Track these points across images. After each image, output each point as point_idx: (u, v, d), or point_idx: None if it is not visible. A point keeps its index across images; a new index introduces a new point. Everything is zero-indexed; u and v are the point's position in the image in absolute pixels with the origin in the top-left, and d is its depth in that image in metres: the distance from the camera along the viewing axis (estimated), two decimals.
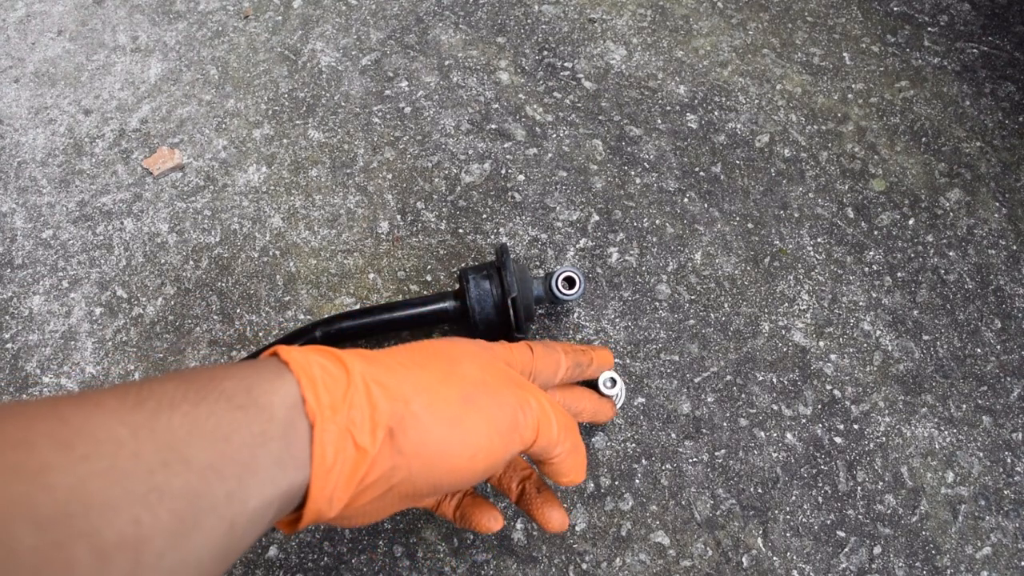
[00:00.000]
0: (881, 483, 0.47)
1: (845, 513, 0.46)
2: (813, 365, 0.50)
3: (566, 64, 0.62)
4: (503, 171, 0.57)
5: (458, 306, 0.46)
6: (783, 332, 0.51)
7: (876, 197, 0.56)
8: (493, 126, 0.59)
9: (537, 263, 0.53)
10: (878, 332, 0.51)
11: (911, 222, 0.55)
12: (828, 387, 0.49)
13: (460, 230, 0.55)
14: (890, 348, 0.51)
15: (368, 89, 0.61)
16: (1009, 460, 0.47)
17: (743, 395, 0.49)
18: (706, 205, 0.56)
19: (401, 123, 0.60)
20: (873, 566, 0.44)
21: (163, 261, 0.55)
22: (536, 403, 0.32)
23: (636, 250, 0.54)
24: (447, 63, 0.63)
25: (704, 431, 0.48)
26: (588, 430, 0.48)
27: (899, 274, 0.53)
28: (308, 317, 0.52)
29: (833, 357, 0.50)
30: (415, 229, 0.55)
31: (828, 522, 0.46)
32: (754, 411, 0.49)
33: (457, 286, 0.51)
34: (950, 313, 0.52)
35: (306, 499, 0.26)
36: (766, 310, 0.52)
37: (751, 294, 0.53)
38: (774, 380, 0.50)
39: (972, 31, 0.64)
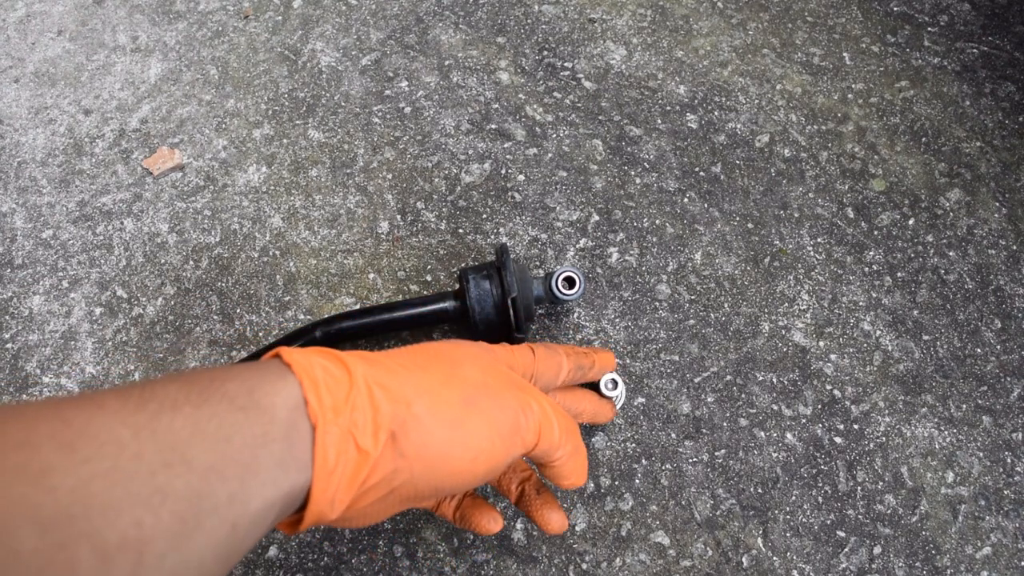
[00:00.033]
0: (881, 483, 0.47)
1: (845, 513, 0.46)
2: (813, 365, 0.50)
3: (566, 64, 0.62)
4: (503, 171, 0.57)
5: (458, 306, 0.46)
6: (783, 332, 0.51)
7: (876, 197, 0.56)
8: (493, 126, 0.59)
9: (537, 263, 0.53)
10: (878, 332, 0.51)
11: (911, 222, 0.55)
12: (828, 387, 0.49)
13: (460, 230, 0.55)
14: (890, 348, 0.51)
15: (368, 89, 0.62)
16: (1009, 460, 0.47)
17: (743, 395, 0.49)
18: (706, 205, 0.56)
19: (401, 123, 0.60)
20: (873, 566, 0.44)
21: (163, 261, 0.55)
22: (538, 406, 0.32)
23: (636, 250, 0.54)
24: (447, 63, 0.63)
25: (704, 431, 0.48)
26: (588, 430, 0.48)
27: (899, 274, 0.53)
28: (308, 317, 0.52)
29: (833, 357, 0.50)
30: (415, 229, 0.55)
31: (828, 522, 0.46)
32: (754, 411, 0.49)
33: (457, 286, 0.51)
34: (950, 313, 0.52)
35: (308, 501, 0.26)
36: (766, 310, 0.52)
37: (751, 294, 0.53)
38: (774, 380, 0.50)
39: (972, 31, 0.64)
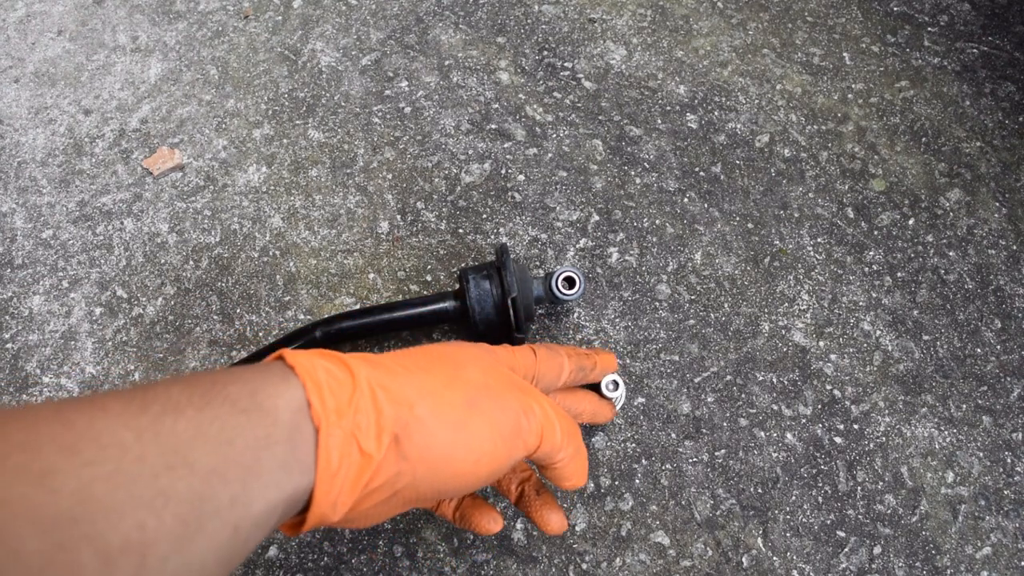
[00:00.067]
0: (881, 483, 0.47)
1: (845, 513, 0.46)
2: (813, 365, 0.50)
3: (566, 64, 0.62)
4: (503, 171, 0.57)
5: (458, 306, 0.46)
6: (783, 332, 0.51)
7: (876, 197, 0.56)
8: (493, 126, 0.59)
9: (537, 263, 0.53)
10: (878, 332, 0.51)
11: (911, 222, 0.55)
12: (828, 387, 0.49)
13: (460, 230, 0.55)
14: (890, 348, 0.51)
15: (368, 89, 0.62)
16: (1009, 460, 0.47)
17: (743, 395, 0.49)
18: (706, 205, 0.56)
19: (401, 123, 0.60)
20: (873, 566, 0.44)
21: (163, 261, 0.55)
22: (540, 408, 0.32)
23: (636, 250, 0.54)
24: (447, 63, 0.63)
25: (704, 431, 0.48)
26: (588, 430, 0.48)
27: (899, 274, 0.53)
28: (308, 317, 0.52)
29: (833, 357, 0.50)
30: (415, 229, 0.55)
31: (828, 522, 0.46)
32: (754, 411, 0.49)
33: (457, 286, 0.51)
34: (950, 313, 0.52)
35: (310, 503, 0.26)
36: (766, 310, 0.52)
37: (751, 294, 0.53)
38: (774, 380, 0.50)
39: (972, 31, 0.64)
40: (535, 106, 0.60)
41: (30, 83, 0.64)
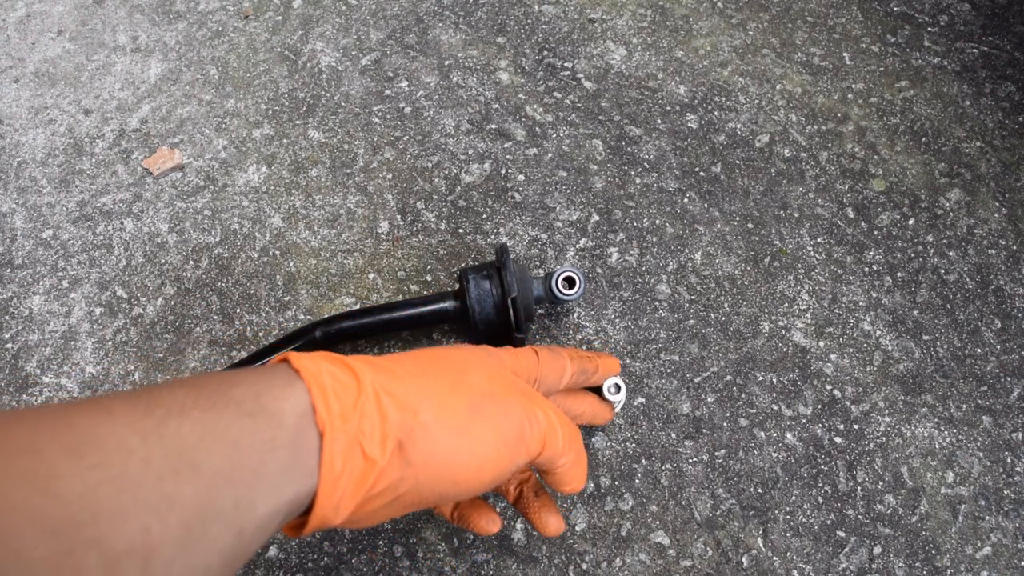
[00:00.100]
0: (881, 483, 0.47)
1: (845, 513, 0.46)
2: (813, 365, 0.50)
3: (566, 64, 0.62)
4: (503, 171, 0.57)
5: (458, 306, 0.46)
6: (783, 332, 0.51)
7: (876, 197, 0.56)
8: (493, 126, 0.59)
9: (537, 263, 0.53)
10: (878, 332, 0.51)
11: (911, 222, 0.55)
12: (828, 387, 0.49)
13: (460, 230, 0.55)
14: (890, 348, 0.51)
15: (368, 89, 0.62)
16: (1009, 460, 0.47)
17: (743, 395, 0.49)
18: (706, 205, 0.56)
19: (401, 123, 0.60)
20: (873, 566, 0.44)
21: (163, 261, 0.55)
22: (543, 415, 0.32)
23: (636, 250, 0.54)
24: (447, 63, 0.63)
25: (704, 431, 0.48)
26: (588, 431, 0.48)
27: (899, 274, 0.53)
28: (308, 317, 0.52)
29: (833, 357, 0.50)
30: (415, 229, 0.55)
31: (828, 522, 0.46)
32: (754, 411, 0.49)
33: (457, 286, 0.51)
34: (950, 313, 0.52)
35: (313, 505, 0.26)
36: (766, 310, 0.52)
37: (751, 294, 0.53)
38: (774, 380, 0.50)
39: (972, 31, 0.64)
40: (535, 106, 0.60)
41: (30, 83, 0.64)
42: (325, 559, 0.45)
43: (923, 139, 0.59)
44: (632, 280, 0.53)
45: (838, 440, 0.48)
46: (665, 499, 0.46)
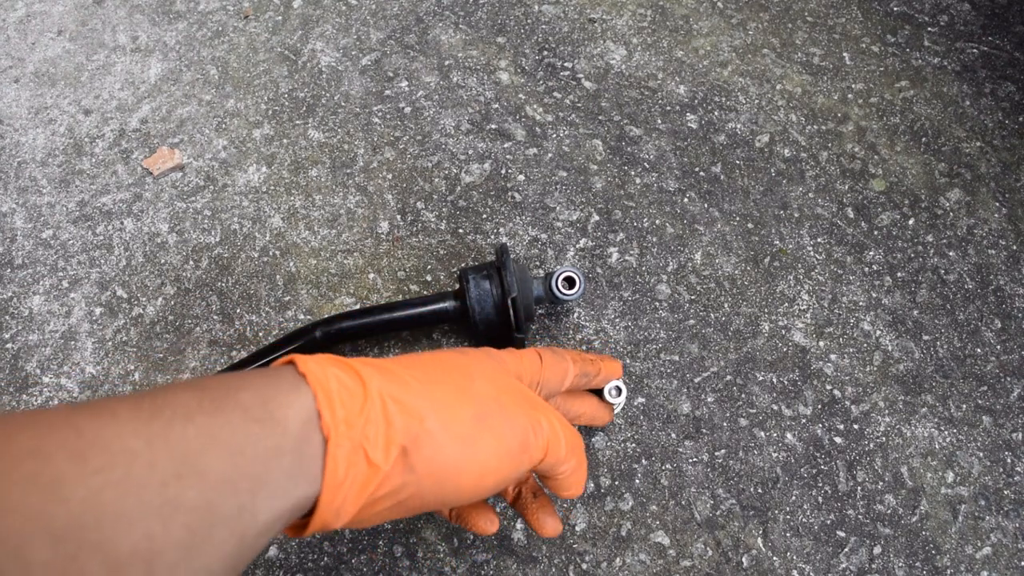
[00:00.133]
0: (881, 483, 0.47)
1: (845, 513, 0.46)
2: (813, 365, 0.50)
3: (566, 64, 0.62)
4: (503, 171, 0.57)
5: (458, 306, 0.46)
6: (783, 332, 0.51)
7: (876, 197, 0.56)
8: (493, 126, 0.59)
9: (537, 263, 0.53)
10: (878, 332, 0.51)
11: (911, 222, 0.55)
12: (828, 387, 0.49)
13: (460, 230, 0.55)
14: (890, 348, 0.51)
15: (368, 89, 0.62)
16: (1009, 460, 0.47)
17: (743, 395, 0.49)
18: (706, 205, 0.56)
19: (401, 123, 0.60)
20: (873, 566, 0.44)
21: (163, 261, 0.55)
22: (547, 423, 0.32)
23: (636, 250, 0.54)
24: (447, 63, 0.63)
25: (704, 431, 0.48)
26: (588, 431, 0.48)
27: (899, 274, 0.53)
28: (308, 317, 0.52)
29: (833, 357, 0.50)
30: (415, 229, 0.55)
31: (828, 522, 0.46)
32: (754, 411, 0.49)
33: (457, 286, 0.51)
34: (950, 313, 0.52)
35: (315, 509, 0.26)
36: (766, 310, 0.52)
37: (751, 294, 0.53)
38: (774, 380, 0.50)
39: (972, 31, 0.64)
40: (535, 106, 0.60)
41: (30, 83, 0.64)
42: (325, 559, 0.45)
43: (923, 139, 0.59)
44: (632, 280, 0.53)
45: (838, 440, 0.48)
46: (665, 499, 0.46)
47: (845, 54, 0.63)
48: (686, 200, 0.56)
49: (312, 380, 0.26)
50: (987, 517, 0.46)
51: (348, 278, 0.54)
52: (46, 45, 0.66)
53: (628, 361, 0.50)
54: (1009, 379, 0.50)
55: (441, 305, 0.46)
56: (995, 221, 0.55)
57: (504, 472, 0.30)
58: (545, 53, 0.63)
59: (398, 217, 0.56)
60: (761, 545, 0.45)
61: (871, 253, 0.54)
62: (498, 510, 0.46)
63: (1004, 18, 0.64)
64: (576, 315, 0.52)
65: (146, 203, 0.57)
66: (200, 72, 0.63)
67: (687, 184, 0.57)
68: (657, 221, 0.55)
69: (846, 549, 0.45)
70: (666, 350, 0.50)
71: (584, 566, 0.44)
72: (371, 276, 0.54)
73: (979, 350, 0.51)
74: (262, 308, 0.53)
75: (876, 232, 0.55)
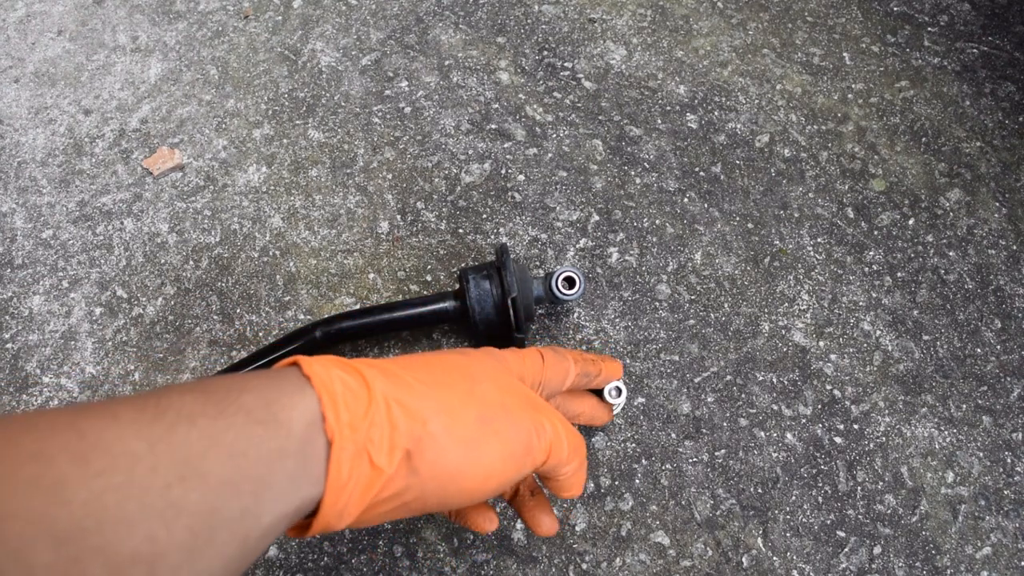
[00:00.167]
0: (881, 483, 0.47)
1: (845, 513, 0.46)
2: (813, 365, 0.50)
3: (566, 64, 0.62)
4: (503, 171, 0.57)
5: (458, 306, 0.46)
6: (783, 332, 0.51)
7: (876, 197, 0.56)
8: (493, 126, 0.59)
9: (537, 263, 0.53)
10: (878, 332, 0.51)
11: (911, 222, 0.55)
12: (828, 387, 0.49)
13: (460, 230, 0.55)
14: (890, 348, 0.51)
15: (368, 89, 0.62)
16: (1009, 460, 0.47)
17: (743, 395, 0.49)
18: (706, 205, 0.56)
19: (401, 123, 0.60)
20: (873, 566, 0.44)
21: (163, 261, 0.55)
22: (550, 426, 0.33)
23: (636, 250, 0.54)
24: (447, 63, 0.63)
25: (704, 431, 0.48)
26: (588, 431, 0.48)
27: (899, 274, 0.53)
28: (308, 317, 0.52)
29: (833, 357, 0.50)
30: (415, 229, 0.55)
31: (828, 522, 0.46)
32: (754, 411, 0.49)
33: (457, 286, 0.51)
34: (950, 313, 0.52)
35: (317, 511, 0.26)
36: (766, 310, 0.52)
37: (751, 294, 0.53)
38: (774, 380, 0.50)
39: (972, 31, 0.64)
40: (535, 106, 0.60)
41: (30, 83, 0.64)
42: (325, 559, 0.45)
43: (923, 139, 0.59)
44: (632, 280, 0.53)
45: (838, 440, 0.48)
46: (665, 499, 0.46)
47: (845, 54, 0.63)
48: (686, 200, 0.56)
49: (317, 383, 0.26)
50: (987, 517, 0.46)
51: (348, 278, 0.54)
52: (46, 45, 0.66)
53: (628, 361, 0.50)
54: (1009, 379, 0.50)
55: (441, 305, 0.46)
56: (995, 221, 0.55)
57: (507, 475, 0.30)
58: (545, 53, 0.63)
59: (398, 217, 0.56)
60: (761, 545, 0.45)
61: (871, 253, 0.54)
62: (498, 510, 0.46)
63: (1004, 18, 0.64)
64: (576, 315, 0.52)
65: (146, 203, 0.57)
66: (200, 72, 0.63)
67: (687, 184, 0.57)
68: (657, 221, 0.55)
69: (846, 549, 0.45)
70: (666, 350, 0.50)
71: (584, 566, 0.44)
72: (371, 276, 0.54)
73: (979, 350, 0.51)
74: (262, 308, 0.53)
75: (876, 232, 0.55)
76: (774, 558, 0.45)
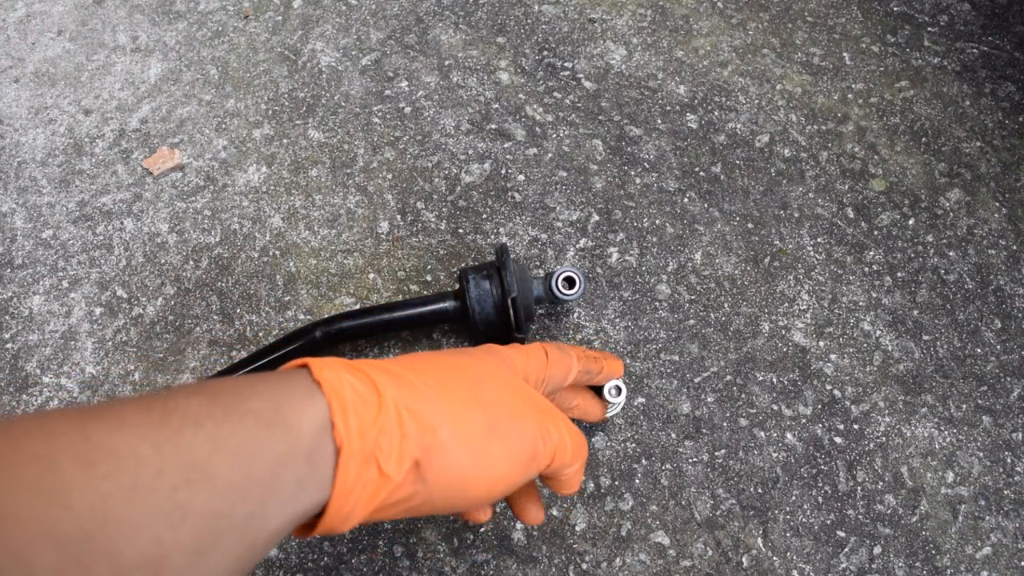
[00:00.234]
0: (881, 483, 0.47)
1: (845, 513, 0.46)
2: (813, 365, 0.50)
3: (566, 64, 0.62)
4: (503, 171, 0.57)
5: (458, 306, 0.46)
6: (783, 332, 0.51)
7: (876, 197, 0.56)
8: (493, 126, 0.59)
9: (537, 263, 0.53)
10: (878, 332, 0.51)
11: (911, 222, 0.55)
12: (828, 387, 0.49)
13: (460, 230, 0.55)
14: (890, 348, 0.51)
15: (368, 89, 0.61)
16: (1009, 460, 0.47)
17: (743, 395, 0.49)
18: (706, 205, 0.56)
19: (401, 123, 0.60)
20: (873, 566, 0.44)
21: (163, 261, 0.55)
22: (555, 430, 0.33)
23: (636, 250, 0.54)
24: (447, 63, 0.63)
25: (704, 431, 0.48)
26: (588, 430, 0.48)
27: (899, 274, 0.53)
28: (308, 317, 0.52)
29: (833, 357, 0.50)
30: (415, 229, 0.55)
31: (828, 522, 0.46)
32: (754, 411, 0.49)
33: (457, 286, 0.51)
34: (950, 313, 0.52)
35: (323, 513, 0.26)
36: (766, 310, 0.52)
37: (751, 294, 0.53)
38: (774, 380, 0.50)
39: (972, 31, 0.64)
40: (535, 106, 0.60)
41: (30, 83, 0.64)
42: (325, 559, 0.45)
43: (923, 139, 0.59)
44: (632, 280, 0.53)
45: (838, 440, 0.48)
46: (665, 499, 0.46)
47: (845, 54, 0.63)
48: (686, 200, 0.56)
49: (327, 388, 0.26)
50: (987, 517, 0.46)
51: (348, 278, 0.54)
52: (46, 45, 0.66)
53: (628, 361, 0.50)
54: (1009, 379, 0.50)
55: (441, 305, 0.46)
56: (995, 221, 0.55)
57: (513, 480, 0.31)
58: (545, 53, 0.63)
59: (398, 217, 0.56)
60: (761, 545, 0.45)
61: (871, 253, 0.54)
62: (498, 510, 0.46)
63: (1004, 18, 0.64)
64: (576, 315, 0.52)
65: (146, 203, 0.57)
66: (200, 72, 0.63)
67: (687, 184, 0.57)
68: (657, 221, 0.55)
69: (846, 549, 0.45)
70: (666, 350, 0.51)
71: (584, 566, 0.44)
72: (371, 276, 0.54)
73: (979, 350, 0.51)
74: (262, 308, 0.53)
75: (876, 232, 0.55)
76: (774, 558, 0.45)
